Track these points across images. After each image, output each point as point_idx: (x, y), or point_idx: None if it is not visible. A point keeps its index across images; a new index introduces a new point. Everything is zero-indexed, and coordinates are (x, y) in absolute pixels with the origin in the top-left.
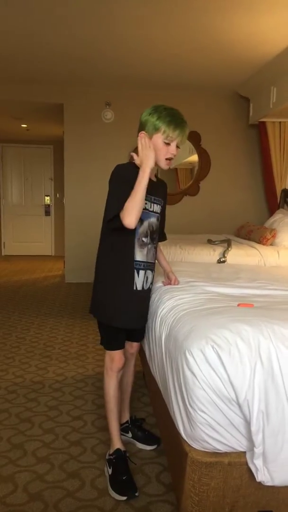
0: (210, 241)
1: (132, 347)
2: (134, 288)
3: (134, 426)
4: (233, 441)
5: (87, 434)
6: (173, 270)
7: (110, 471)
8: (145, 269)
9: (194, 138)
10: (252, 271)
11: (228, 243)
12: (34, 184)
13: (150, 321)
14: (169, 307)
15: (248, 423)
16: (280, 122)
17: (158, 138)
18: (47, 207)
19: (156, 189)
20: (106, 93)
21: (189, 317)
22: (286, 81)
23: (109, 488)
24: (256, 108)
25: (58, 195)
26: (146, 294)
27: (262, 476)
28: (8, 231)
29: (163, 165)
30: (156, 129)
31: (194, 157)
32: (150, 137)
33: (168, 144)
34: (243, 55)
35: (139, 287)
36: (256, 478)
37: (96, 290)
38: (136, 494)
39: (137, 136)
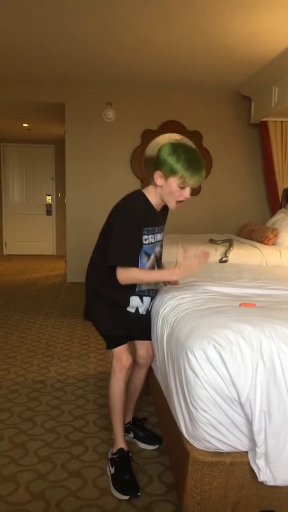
0: (212, 241)
1: (148, 351)
2: (134, 311)
3: (135, 426)
4: (235, 441)
5: (89, 433)
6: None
7: (112, 470)
8: (150, 296)
9: (196, 138)
10: (254, 270)
11: (230, 243)
12: (36, 183)
13: (152, 320)
14: (170, 306)
15: (250, 423)
16: (281, 122)
17: (174, 181)
18: (49, 207)
19: (160, 217)
20: (108, 92)
21: (191, 317)
22: (287, 81)
23: (111, 487)
24: (258, 107)
25: (59, 195)
26: (143, 317)
27: (264, 476)
28: (9, 230)
29: (172, 206)
30: (173, 173)
31: None
32: (166, 179)
33: (182, 188)
34: (245, 55)
35: (141, 311)
36: (258, 478)
37: (88, 299)
38: (139, 493)
39: (153, 172)
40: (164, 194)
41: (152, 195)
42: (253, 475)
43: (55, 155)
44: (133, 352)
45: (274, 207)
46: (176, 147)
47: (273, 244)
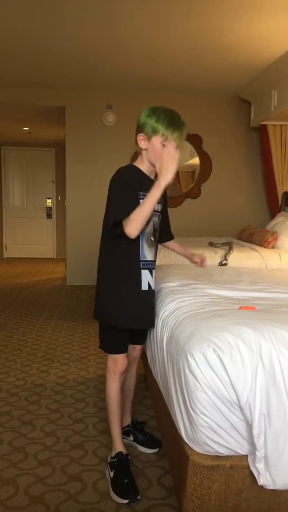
0: (211, 244)
1: (135, 350)
2: (143, 289)
3: (135, 429)
4: (235, 444)
5: (89, 437)
6: (175, 273)
7: (111, 474)
8: (151, 268)
9: (196, 141)
10: (253, 274)
11: (229, 246)
12: (36, 186)
13: None
14: (170, 309)
15: (249, 426)
16: (281, 125)
17: (157, 140)
18: (49, 210)
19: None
20: (108, 96)
21: (191, 320)
22: (287, 85)
23: (111, 491)
24: (257, 111)
25: (59, 198)
26: (151, 294)
27: (264, 479)
28: (9, 233)
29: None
30: (155, 132)
31: (196, 160)
32: (149, 140)
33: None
34: (244, 59)
35: (147, 287)
36: (258, 482)
37: (100, 293)
38: (138, 497)
39: (135, 138)
40: (150, 157)
41: (141, 163)
42: (253, 479)
43: (55, 158)
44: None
45: (273, 210)
46: (154, 109)
47: (273, 247)
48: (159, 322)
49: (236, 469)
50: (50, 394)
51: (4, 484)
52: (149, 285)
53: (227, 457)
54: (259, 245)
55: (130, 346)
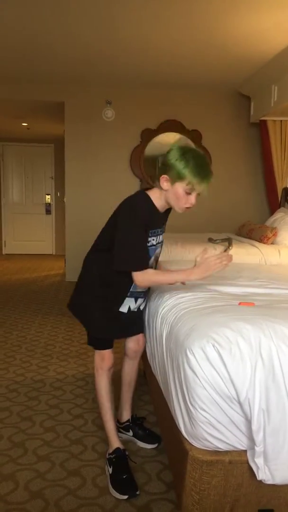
0: (211, 240)
1: (138, 343)
2: (120, 310)
3: (135, 425)
4: (234, 440)
5: (88, 432)
6: (174, 269)
7: (110, 470)
8: (137, 297)
9: (195, 137)
10: (253, 269)
11: (229, 242)
12: (35, 182)
13: (151, 319)
14: (170, 305)
15: (249, 422)
16: (281, 121)
17: (180, 187)
18: (48, 206)
19: (163, 218)
20: (107, 91)
21: (190, 316)
22: (287, 80)
23: (110, 487)
24: (257, 106)
25: (58, 194)
26: (134, 314)
27: (263, 474)
28: (8, 229)
29: (179, 210)
30: (181, 178)
31: None
32: (172, 184)
33: (189, 193)
34: (244, 54)
35: (126, 310)
36: (257, 477)
37: (81, 295)
38: (137, 493)
39: (158, 177)
40: (169, 198)
41: (157, 198)
42: (252, 474)
43: (54, 154)
44: (121, 345)
45: (273, 206)
46: (184, 152)
47: (272, 243)
48: (158, 318)
49: (235, 464)
50: (49, 389)
51: (4, 480)
52: (129, 309)
53: (226, 452)
54: (259, 241)
55: (133, 340)
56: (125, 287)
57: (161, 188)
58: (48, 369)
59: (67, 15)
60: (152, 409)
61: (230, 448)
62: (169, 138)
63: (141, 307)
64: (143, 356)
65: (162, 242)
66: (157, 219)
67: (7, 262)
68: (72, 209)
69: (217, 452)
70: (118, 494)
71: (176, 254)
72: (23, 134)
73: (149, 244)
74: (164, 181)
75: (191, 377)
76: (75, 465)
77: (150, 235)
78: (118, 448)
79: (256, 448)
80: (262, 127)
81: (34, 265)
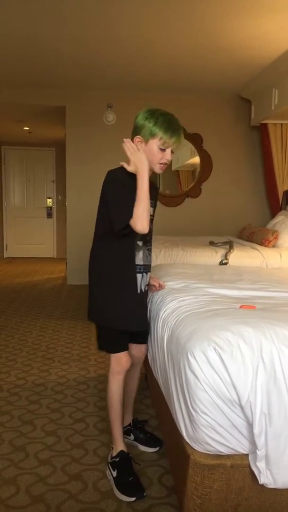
0: (212, 243)
1: (141, 351)
2: (138, 291)
3: (136, 428)
4: (236, 444)
5: (89, 436)
6: (176, 272)
7: (114, 473)
8: (142, 272)
9: (196, 140)
10: (254, 273)
11: (230, 245)
12: (36, 186)
13: (152, 323)
14: (171, 309)
15: (250, 425)
16: (281, 124)
17: (154, 143)
18: (49, 209)
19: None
20: (108, 95)
21: (191, 319)
22: (287, 83)
23: (115, 490)
24: (258, 110)
25: (60, 197)
26: (145, 296)
27: (265, 478)
28: (10, 233)
29: (157, 169)
30: (153, 135)
31: (196, 159)
32: (146, 142)
33: (163, 150)
34: (245, 57)
35: (143, 290)
36: (259, 481)
37: (95, 295)
38: (144, 494)
39: (132, 140)
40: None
41: (133, 166)
42: (254, 478)
43: (55, 158)
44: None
45: (274, 209)
46: (152, 111)
47: (273, 246)
48: (159, 321)
49: (237, 468)
50: (50, 393)
51: (5, 484)
52: (141, 288)
53: (228, 456)
54: (260, 244)
55: (135, 346)
56: (130, 262)
57: None
58: (50, 373)
59: (68, 20)
60: (153, 413)
61: (231, 452)
62: None
63: (146, 287)
64: (144, 360)
65: (152, 216)
66: (135, 185)
67: (9, 266)
68: (73, 212)
69: (218, 456)
70: (126, 496)
71: (177, 257)
72: (24, 138)
73: None
74: (138, 142)
75: (193, 381)
76: (77, 469)
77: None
78: (122, 451)
79: (258, 452)
80: (262, 130)
81: (35, 269)
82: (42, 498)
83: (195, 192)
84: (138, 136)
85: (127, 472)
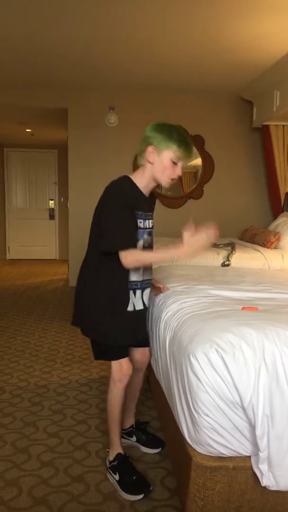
0: (214, 245)
1: (145, 354)
2: (131, 309)
3: (138, 430)
4: (238, 445)
5: (92, 438)
6: (178, 274)
7: (116, 477)
8: (142, 288)
9: (198, 142)
10: (256, 274)
11: (232, 247)
12: (39, 188)
13: (154, 325)
14: (173, 310)
15: (252, 427)
16: (283, 126)
17: (168, 155)
18: (51, 211)
19: (149, 204)
20: (110, 97)
21: (193, 321)
22: None
23: (122, 492)
24: (260, 111)
25: (62, 199)
26: (144, 313)
27: (267, 480)
28: (12, 235)
29: (165, 184)
30: (168, 147)
31: (198, 161)
32: (159, 154)
33: (175, 164)
34: (246, 59)
35: (137, 307)
36: (261, 483)
37: (86, 308)
38: (151, 488)
39: (143, 150)
40: (156, 171)
41: (139, 178)
42: (256, 480)
43: (58, 160)
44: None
45: (276, 210)
46: (163, 125)
47: (276, 248)
48: (161, 323)
49: (239, 470)
50: (53, 395)
51: (8, 485)
52: (142, 303)
53: (230, 458)
54: (262, 246)
55: (138, 350)
56: (123, 279)
57: (145, 164)
58: (52, 375)
59: (70, 21)
60: (155, 415)
61: (234, 454)
62: None
63: (147, 305)
64: None
65: (151, 229)
66: (142, 202)
67: (11, 268)
68: (75, 214)
69: (221, 458)
70: (133, 495)
71: (179, 259)
72: (27, 140)
73: (141, 226)
74: (151, 153)
75: (195, 382)
76: (79, 471)
77: (138, 216)
78: (119, 453)
79: (260, 454)
80: (264, 132)
81: (37, 270)
82: (45, 500)
83: (197, 193)
84: (152, 146)
85: (129, 472)
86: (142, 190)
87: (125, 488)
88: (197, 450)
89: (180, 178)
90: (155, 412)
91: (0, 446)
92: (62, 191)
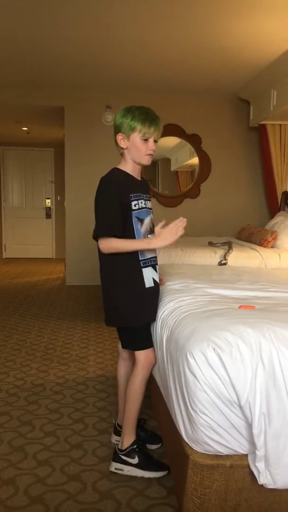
0: (211, 244)
1: None
2: (147, 286)
3: (137, 427)
4: (235, 444)
5: (88, 437)
6: (175, 273)
7: (135, 460)
8: (153, 264)
9: (195, 141)
10: (253, 273)
11: (229, 246)
12: (35, 187)
13: (151, 323)
14: (170, 309)
15: (249, 426)
16: (280, 125)
17: (136, 137)
18: (48, 210)
19: (143, 187)
20: (107, 96)
21: (190, 319)
22: (286, 84)
23: (144, 473)
24: (257, 110)
25: (59, 198)
26: (156, 289)
27: (264, 479)
28: (9, 233)
29: (145, 161)
30: (132, 129)
31: (195, 160)
32: (128, 138)
33: (146, 140)
34: (243, 58)
35: (152, 284)
36: (258, 481)
37: (109, 297)
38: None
39: (115, 139)
40: (133, 154)
41: (124, 164)
42: (253, 478)
43: (54, 158)
44: (115, 348)
45: (273, 209)
46: (128, 108)
47: (272, 247)
48: (158, 322)
49: (236, 468)
50: (49, 394)
51: (4, 484)
52: (154, 281)
53: (227, 456)
54: (259, 245)
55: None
56: (135, 258)
57: (123, 151)
58: (48, 373)
59: (67, 20)
60: (152, 413)
61: (231, 452)
62: (170, 142)
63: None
64: None
65: (152, 209)
66: (135, 185)
67: (7, 266)
68: (72, 213)
69: (218, 456)
70: (159, 472)
71: (176, 258)
72: (23, 139)
73: (136, 208)
74: (121, 140)
75: (192, 381)
76: (76, 470)
77: (132, 198)
78: (137, 439)
79: (257, 452)
80: (261, 131)
81: (34, 269)
82: (41, 499)
83: (194, 192)
84: (120, 134)
85: (148, 455)
86: (131, 174)
87: (148, 468)
88: (194, 449)
89: (176, 173)
90: (151, 411)
91: None
92: (58, 189)
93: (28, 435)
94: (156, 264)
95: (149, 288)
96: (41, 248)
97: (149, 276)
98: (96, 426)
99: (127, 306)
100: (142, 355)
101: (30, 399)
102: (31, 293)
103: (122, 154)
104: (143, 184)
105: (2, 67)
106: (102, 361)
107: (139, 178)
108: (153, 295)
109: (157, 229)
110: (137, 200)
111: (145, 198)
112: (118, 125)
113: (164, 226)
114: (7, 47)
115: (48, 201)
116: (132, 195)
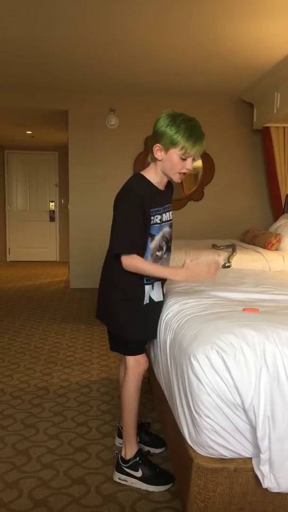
0: (214, 246)
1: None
2: (147, 302)
3: (141, 431)
4: (239, 447)
5: (92, 440)
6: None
7: (139, 473)
8: (153, 283)
9: None
10: (257, 276)
11: (232, 248)
12: (39, 190)
13: None
14: (173, 312)
15: (254, 429)
16: (284, 127)
17: (175, 153)
18: (52, 213)
19: (166, 196)
20: (110, 99)
21: (194, 322)
22: None
23: (148, 487)
24: (260, 113)
25: (62, 201)
26: (155, 305)
27: (269, 482)
28: (13, 237)
29: (176, 178)
30: (174, 144)
31: (198, 162)
32: (166, 151)
33: (184, 159)
34: (247, 61)
35: (155, 299)
36: (263, 485)
37: (107, 298)
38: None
39: (151, 146)
40: (165, 168)
41: (152, 174)
42: (257, 482)
43: (58, 162)
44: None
45: (277, 212)
46: (174, 117)
47: (276, 250)
48: (162, 324)
49: (241, 472)
50: (53, 397)
51: (8, 487)
52: (151, 299)
53: (231, 460)
54: (263, 247)
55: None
56: (138, 275)
57: (155, 160)
58: (52, 376)
59: (71, 23)
60: (156, 416)
61: (235, 455)
62: None
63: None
64: None
65: (171, 221)
66: (158, 197)
67: (12, 269)
68: (76, 216)
69: (222, 460)
70: (163, 486)
71: (179, 261)
72: (27, 142)
73: (152, 222)
74: (158, 150)
75: (195, 384)
76: (79, 473)
77: (152, 213)
78: (139, 450)
79: (262, 456)
80: (265, 133)
81: (38, 272)
82: (45, 502)
83: (197, 195)
84: (158, 145)
85: (153, 466)
86: (156, 185)
87: (151, 481)
88: (198, 452)
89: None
90: (155, 414)
91: (0, 448)
92: (62, 193)
93: (32, 438)
94: (159, 280)
95: (145, 305)
96: (45, 251)
97: (147, 293)
98: (100, 429)
99: (125, 319)
100: (131, 361)
101: (34, 402)
102: (35, 296)
103: (152, 160)
104: (166, 194)
105: (6, 71)
106: (106, 364)
107: (163, 189)
108: (151, 312)
109: (187, 261)
110: (154, 215)
111: (163, 211)
112: (159, 133)
113: (192, 260)
114: (11, 50)
115: (52, 204)
116: (153, 209)
